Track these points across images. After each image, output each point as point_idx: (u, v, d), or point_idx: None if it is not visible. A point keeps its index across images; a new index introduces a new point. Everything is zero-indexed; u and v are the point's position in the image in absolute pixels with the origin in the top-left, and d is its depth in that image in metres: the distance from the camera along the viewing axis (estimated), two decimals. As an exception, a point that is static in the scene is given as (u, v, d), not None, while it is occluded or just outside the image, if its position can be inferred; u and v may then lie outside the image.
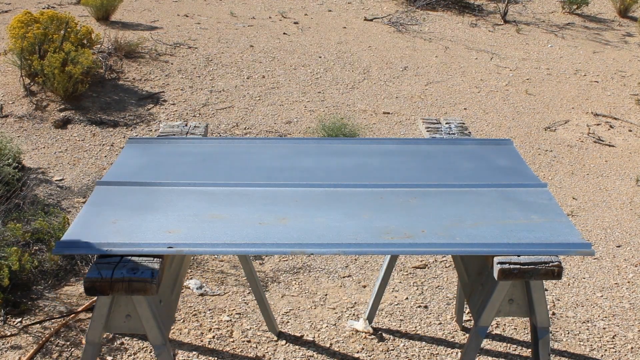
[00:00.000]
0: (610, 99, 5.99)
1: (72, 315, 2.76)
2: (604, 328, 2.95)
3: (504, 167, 2.16)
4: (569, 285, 3.27)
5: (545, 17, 8.66)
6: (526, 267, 1.64)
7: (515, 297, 1.78)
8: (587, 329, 2.94)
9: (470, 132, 2.48)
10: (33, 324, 2.70)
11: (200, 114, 5.06)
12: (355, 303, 3.02)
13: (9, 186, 3.36)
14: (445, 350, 2.75)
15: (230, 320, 2.86)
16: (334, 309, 2.98)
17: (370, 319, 2.86)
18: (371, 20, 7.87)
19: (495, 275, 1.65)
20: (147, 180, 1.98)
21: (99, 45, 5.77)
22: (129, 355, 2.61)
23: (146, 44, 6.17)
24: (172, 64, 5.92)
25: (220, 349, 2.69)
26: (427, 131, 2.47)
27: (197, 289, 3.04)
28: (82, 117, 4.81)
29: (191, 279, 3.11)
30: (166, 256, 1.66)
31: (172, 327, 2.76)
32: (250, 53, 6.39)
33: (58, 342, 2.63)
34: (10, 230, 2.95)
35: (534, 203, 1.91)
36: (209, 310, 2.92)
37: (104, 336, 2.49)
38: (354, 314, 2.95)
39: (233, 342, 2.74)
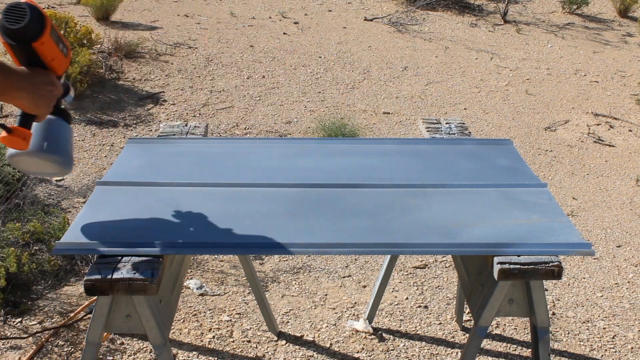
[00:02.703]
0: (610, 99, 5.99)
1: (72, 315, 2.76)
2: (604, 328, 2.95)
3: (504, 167, 2.15)
4: (569, 285, 3.27)
5: (545, 17, 8.66)
6: (526, 267, 1.64)
7: (515, 297, 1.77)
8: (587, 329, 2.94)
9: (470, 132, 2.48)
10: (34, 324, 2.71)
11: (200, 114, 5.06)
12: (355, 303, 3.02)
13: (9, 186, 3.36)
14: (445, 350, 2.74)
15: (230, 320, 2.86)
16: (334, 309, 2.98)
17: (370, 319, 2.86)
18: (371, 20, 7.88)
19: (495, 275, 1.65)
20: (147, 180, 1.98)
21: (99, 45, 5.77)
22: (128, 356, 2.61)
23: (146, 44, 6.17)
24: (172, 64, 5.92)
25: (220, 349, 2.69)
26: (427, 131, 2.47)
27: (197, 289, 3.04)
28: (81, 117, 4.81)
29: (191, 279, 3.11)
30: (166, 256, 1.66)
31: (172, 327, 2.76)
32: (250, 53, 6.40)
33: (58, 342, 2.63)
34: (9, 231, 2.95)
35: (534, 203, 1.91)
36: (209, 310, 2.92)
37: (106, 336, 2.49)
38: (354, 314, 2.95)
39: (233, 342, 2.74)
